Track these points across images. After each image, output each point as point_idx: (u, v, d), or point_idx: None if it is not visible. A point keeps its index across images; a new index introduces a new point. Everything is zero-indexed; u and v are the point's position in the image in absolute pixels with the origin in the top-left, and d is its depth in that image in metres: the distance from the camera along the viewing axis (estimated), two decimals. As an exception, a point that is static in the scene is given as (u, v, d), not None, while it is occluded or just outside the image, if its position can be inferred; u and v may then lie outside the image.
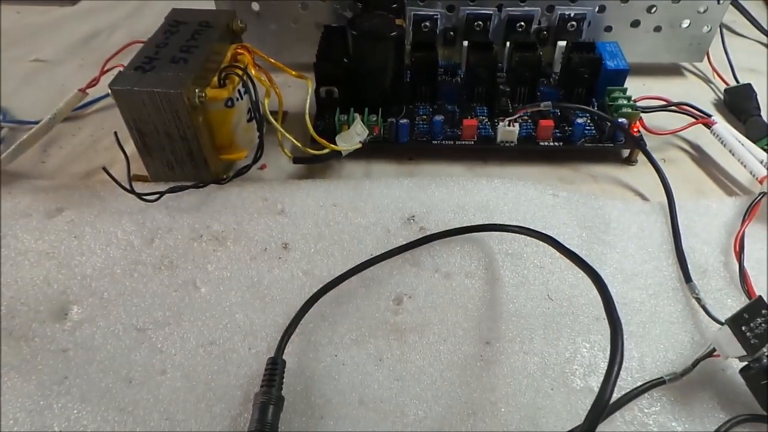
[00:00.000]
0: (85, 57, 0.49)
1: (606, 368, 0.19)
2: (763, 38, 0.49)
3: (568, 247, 0.26)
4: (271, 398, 0.24)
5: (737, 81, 0.42)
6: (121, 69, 0.32)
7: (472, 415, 0.24)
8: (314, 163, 0.36)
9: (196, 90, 0.31)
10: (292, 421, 0.24)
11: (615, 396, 0.21)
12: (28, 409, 0.25)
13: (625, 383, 0.25)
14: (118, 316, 0.28)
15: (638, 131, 0.36)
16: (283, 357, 0.25)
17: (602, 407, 0.17)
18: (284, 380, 0.25)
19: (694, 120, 0.37)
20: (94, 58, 0.48)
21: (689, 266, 0.29)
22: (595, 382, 0.25)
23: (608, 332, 0.26)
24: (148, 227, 0.32)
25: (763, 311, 0.23)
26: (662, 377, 0.25)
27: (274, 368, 0.25)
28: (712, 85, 0.44)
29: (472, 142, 0.36)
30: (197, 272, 0.30)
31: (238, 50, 0.34)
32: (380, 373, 0.26)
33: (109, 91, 0.31)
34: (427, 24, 0.40)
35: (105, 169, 0.32)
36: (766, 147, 0.35)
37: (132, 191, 0.32)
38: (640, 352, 0.26)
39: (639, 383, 0.25)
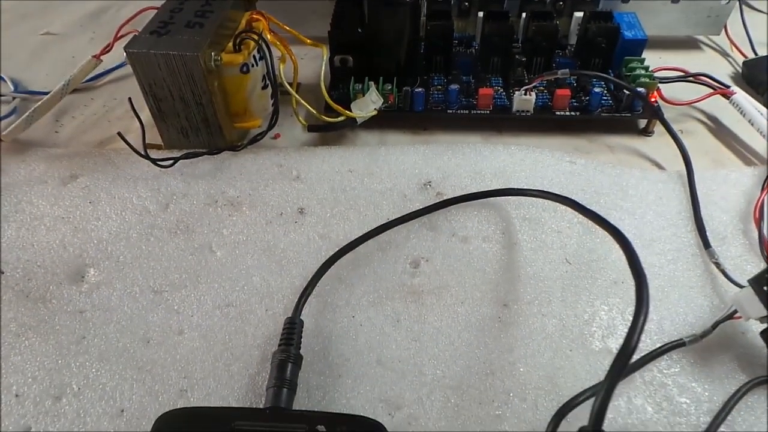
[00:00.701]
0: (96, 30, 0.49)
1: (630, 322, 0.19)
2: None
3: (588, 207, 0.25)
4: (290, 356, 0.24)
5: (756, 54, 0.42)
6: (136, 34, 0.32)
7: (491, 375, 0.24)
8: (329, 131, 0.36)
9: (212, 53, 0.31)
10: (310, 380, 0.24)
11: (634, 357, 0.21)
12: (47, 368, 0.25)
13: (644, 345, 0.25)
14: (134, 278, 0.28)
15: (656, 101, 0.36)
16: (301, 317, 0.25)
17: (629, 354, 0.17)
18: (302, 340, 0.25)
19: (712, 91, 0.37)
20: (104, 32, 0.48)
21: (708, 233, 0.29)
22: (614, 344, 0.25)
23: (627, 296, 0.27)
24: (163, 193, 0.32)
25: (787, 272, 0.23)
26: (682, 339, 0.25)
27: (292, 328, 0.25)
28: (730, 59, 0.43)
29: (488, 112, 0.36)
30: (213, 236, 0.30)
31: (254, 16, 0.34)
32: (398, 333, 0.26)
33: (125, 54, 0.31)
34: (442, -6, 0.40)
35: (120, 135, 0.32)
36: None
37: (147, 157, 0.32)
38: (659, 315, 0.26)
39: (658, 345, 0.25)
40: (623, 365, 0.17)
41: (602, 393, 0.17)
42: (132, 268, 0.29)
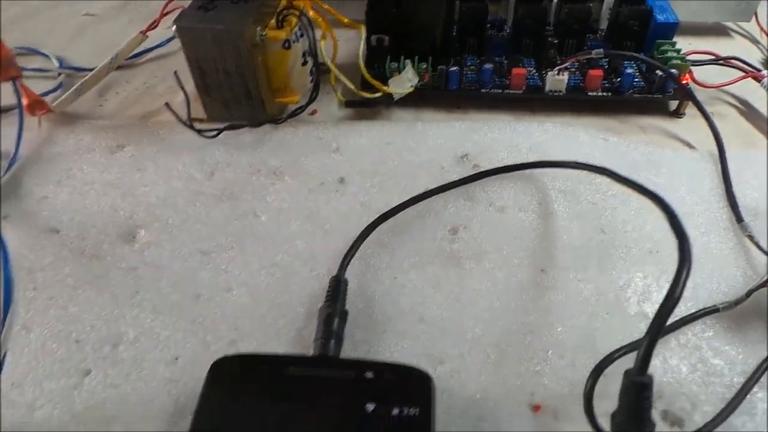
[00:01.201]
0: (133, 13, 0.50)
1: (667, 288, 0.20)
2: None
3: (624, 176, 0.26)
4: (336, 310, 0.25)
5: (786, 41, 0.42)
6: (184, 9, 0.33)
7: (530, 334, 0.25)
8: (366, 107, 0.37)
9: (258, 29, 0.32)
10: (355, 335, 0.25)
11: (669, 321, 0.22)
12: (104, 318, 0.26)
13: (678, 311, 0.25)
14: (183, 240, 0.29)
15: (687, 83, 0.36)
16: (345, 277, 0.26)
17: (672, 305, 0.18)
18: (346, 298, 0.26)
19: (743, 74, 0.37)
20: (142, 15, 0.49)
21: (740, 209, 0.30)
22: (650, 309, 0.26)
23: (662, 265, 0.27)
24: (207, 162, 0.33)
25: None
26: (716, 305, 0.25)
27: (338, 285, 0.26)
28: (760, 46, 0.44)
29: (521, 92, 0.37)
30: (257, 203, 0.31)
31: (295, -7, 0.35)
32: (439, 295, 0.26)
33: (174, 28, 0.32)
34: (476, -22, 0.40)
35: (168, 105, 0.33)
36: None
37: (192, 127, 0.33)
38: (694, 283, 0.27)
39: (693, 311, 0.25)
40: (669, 311, 0.18)
41: (648, 337, 0.18)
42: (180, 230, 0.30)
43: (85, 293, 0.27)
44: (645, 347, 0.18)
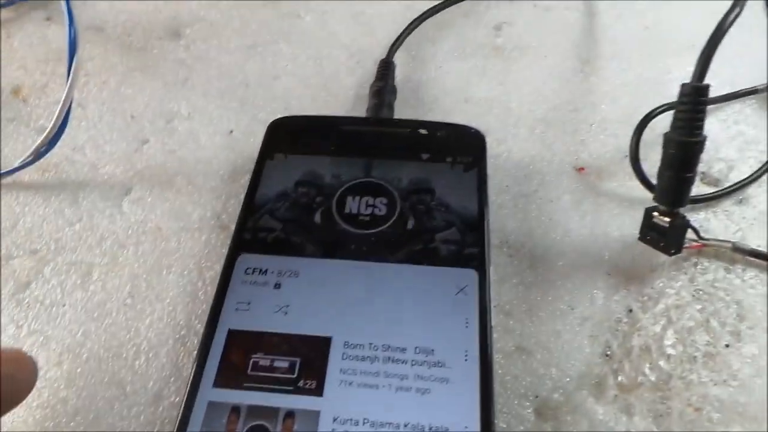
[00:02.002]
0: None
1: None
2: None
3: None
4: (387, 85, 0.25)
5: None
6: None
7: (574, 111, 0.26)
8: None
9: None
10: (404, 113, 0.26)
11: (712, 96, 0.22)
12: (156, 98, 0.27)
13: (718, 91, 0.26)
14: (228, 36, 0.30)
15: None
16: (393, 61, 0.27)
17: (732, 20, 0.19)
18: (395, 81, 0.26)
19: None
20: None
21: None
22: (691, 92, 0.26)
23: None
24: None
25: None
26: (755, 87, 0.26)
27: (387, 65, 0.26)
28: None
29: None
30: (300, 6, 0.31)
31: None
32: (484, 80, 0.27)
33: None
34: None
35: None
36: None
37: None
38: (733, 71, 0.27)
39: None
40: (728, 24, 0.19)
41: (707, 47, 0.18)
42: (225, 28, 0.30)
43: (135, 79, 0.28)
44: (703, 55, 0.18)
